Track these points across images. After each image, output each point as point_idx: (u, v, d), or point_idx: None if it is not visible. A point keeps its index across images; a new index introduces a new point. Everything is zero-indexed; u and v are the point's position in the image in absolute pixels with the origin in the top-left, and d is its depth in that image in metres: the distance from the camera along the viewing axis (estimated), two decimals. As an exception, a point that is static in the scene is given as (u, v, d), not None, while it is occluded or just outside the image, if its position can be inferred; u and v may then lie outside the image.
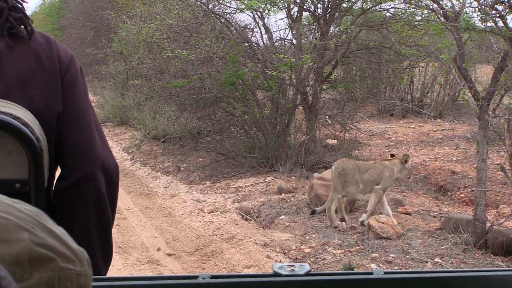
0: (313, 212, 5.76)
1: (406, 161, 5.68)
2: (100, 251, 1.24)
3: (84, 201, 1.20)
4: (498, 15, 4.66)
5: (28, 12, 1.28)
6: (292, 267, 0.93)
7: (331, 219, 5.50)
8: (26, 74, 1.15)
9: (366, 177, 5.54)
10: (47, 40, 1.21)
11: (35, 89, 1.16)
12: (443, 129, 10.91)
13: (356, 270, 4.23)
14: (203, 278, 0.92)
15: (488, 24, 4.79)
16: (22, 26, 1.18)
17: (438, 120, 11.89)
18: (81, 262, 0.55)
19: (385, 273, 0.96)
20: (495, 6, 4.63)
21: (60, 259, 0.53)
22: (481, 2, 4.66)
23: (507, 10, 4.61)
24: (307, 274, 0.93)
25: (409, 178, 5.98)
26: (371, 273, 0.96)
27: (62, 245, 0.54)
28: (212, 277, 0.93)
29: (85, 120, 1.21)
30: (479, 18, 4.82)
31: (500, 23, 4.70)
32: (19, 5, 1.19)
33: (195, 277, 0.93)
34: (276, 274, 0.92)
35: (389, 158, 5.92)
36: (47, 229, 0.54)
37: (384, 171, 5.56)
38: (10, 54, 1.15)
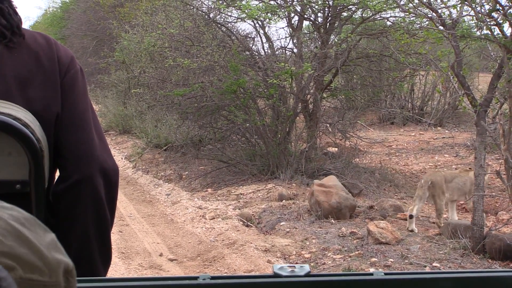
0: (411, 217, 5.73)
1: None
2: (99, 252, 1.23)
3: (83, 203, 1.18)
4: (494, 23, 4.68)
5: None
6: (292, 268, 0.93)
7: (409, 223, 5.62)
8: (26, 75, 1.14)
9: (452, 185, 5.68)
10: (47, 41, 1.20)
11: (34, 90, 1.14)
12: (443, 137, 10.91)
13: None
14: (203, 279, 0.92)
15: (484, 31, 4.82)
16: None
17: (439, 128, 11.89)
18: (52, 273, 0.53)
19: (385, 274, 0.96)
20: (491, 14, 4.66)
21: (23, 269, 0.51)
22: (477, 10, 4.68)
23: (504, 18, 4.63)
24: (307, 275, 0.92)
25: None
26: (371, 274, 0.96)
27: (34, 254, 0.52)
28: (212, 278, 0.92)
29: (84, 121, 1.19)
30: (475, 25, 4.84)
31: (497, 31, 4.72)
32: (7, 8, 1.15)
33: (195, 278, 0.93)
34: (276, 275, 0.92)
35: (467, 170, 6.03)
36: (23, 238, 0.52)
37: (468, 181, 5.68)
38: (9, 54, 1.14)
